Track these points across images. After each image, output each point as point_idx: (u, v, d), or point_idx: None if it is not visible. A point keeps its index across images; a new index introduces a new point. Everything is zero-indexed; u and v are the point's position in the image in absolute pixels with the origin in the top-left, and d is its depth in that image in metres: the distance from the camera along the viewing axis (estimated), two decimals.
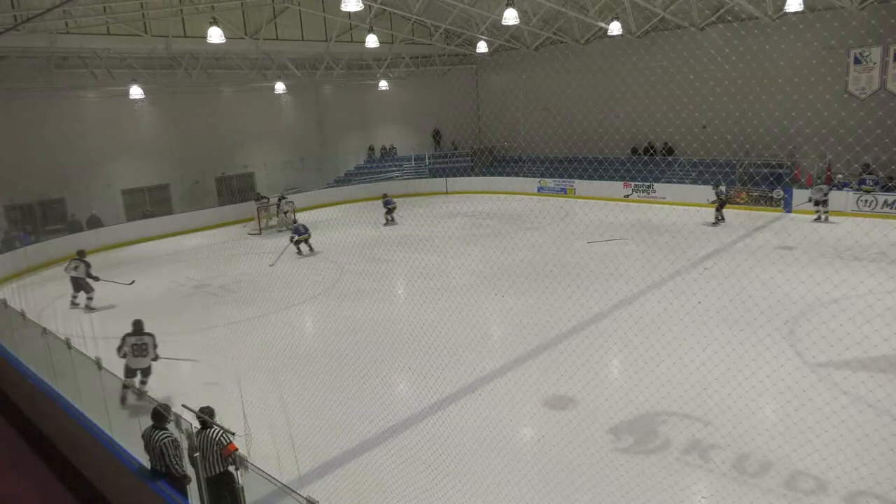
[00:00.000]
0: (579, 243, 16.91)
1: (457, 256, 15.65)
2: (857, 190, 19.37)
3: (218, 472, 5.35)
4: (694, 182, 22.79)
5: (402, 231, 19.63)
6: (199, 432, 5.45)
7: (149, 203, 23.12)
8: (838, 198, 19.51)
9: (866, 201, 19.19)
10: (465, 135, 30.48)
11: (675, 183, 23.28)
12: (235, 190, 24.97)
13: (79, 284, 13.45)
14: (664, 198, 23.05)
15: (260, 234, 21.14)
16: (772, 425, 7.36)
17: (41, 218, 20.06)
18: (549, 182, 26.56)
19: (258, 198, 22.66)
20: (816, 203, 18.65)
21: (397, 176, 28.98)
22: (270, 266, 16.03)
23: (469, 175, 28.72)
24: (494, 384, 8.76)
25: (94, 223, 20.71)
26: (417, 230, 19.62)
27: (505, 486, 6.36)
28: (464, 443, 7.21)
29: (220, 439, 5.34)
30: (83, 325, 11.14)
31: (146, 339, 8.65)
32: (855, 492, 5.97)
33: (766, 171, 21.67)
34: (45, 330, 8.23)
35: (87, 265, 13.35)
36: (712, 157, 22.53)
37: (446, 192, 27.94)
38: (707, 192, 19.98)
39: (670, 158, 24.69)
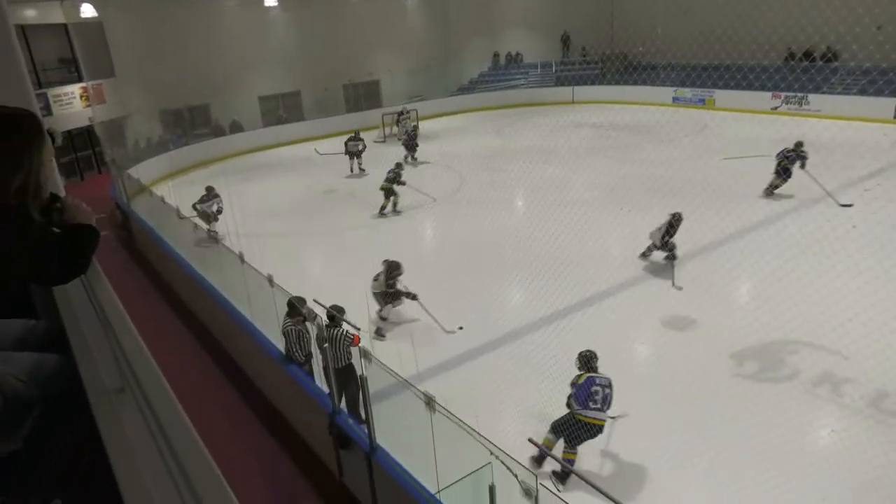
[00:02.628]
0: (716, 159, 15.72)
1: (580, 169, 15.15)
2: None
3: (345, 363, 5.80)
4: (861, 93, 20.17)
5: (525, 142, 19.20)
6: (328, 326, 5.88)
7: (282, 109, 24.22)
8: None
9: None
10: (595, 39, 28.61)
11: (836, 94, 20.69)
12: (362, 97, 25.46)
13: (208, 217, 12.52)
14: (819, 110, 20.62)
15: (384, 141, 21.60)
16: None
17: (189, 123, 21.75)
18: (686, 91, 24.58)
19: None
20: None
21: (522, 84, 28.07)
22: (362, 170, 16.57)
23: (598, 83, 27.20)
24: (612, 300, 8.62)
25: (236, 128, 22.16)
26: (541, 141, 19.09)
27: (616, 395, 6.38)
28: (574, 354, 7.26)
29: (347, 334, 5.75)
30: (227, 224, 12.15)
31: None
32: None
33: None
34: (195, 226, 9.11)
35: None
36: (889, 64, 19.65)
37: (572, 102, 26.78)
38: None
39: (834, 65, 21.85)
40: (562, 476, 5.36)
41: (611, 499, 4.20)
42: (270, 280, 6.39)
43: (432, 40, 27.69)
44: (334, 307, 6.00)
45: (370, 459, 4.80)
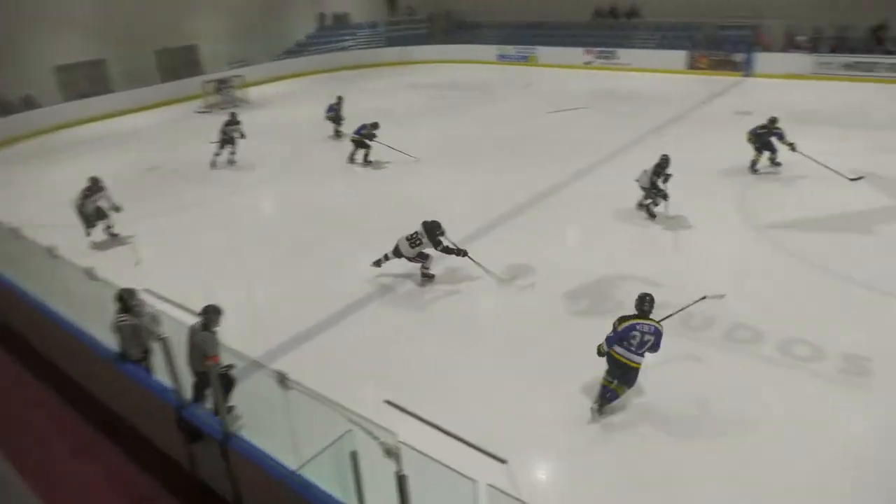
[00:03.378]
0: (540, 113, 16.68)
1: (420, 129, 15.36)
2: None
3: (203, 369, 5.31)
4: (657, 47, 22.31)
5: (361, 105, 18.95)
6: (200, 328, 5.34)
7: (84, 81, 21.58)
8: (797, 60, 19.45)
9: (824, 63, 19.17)
10: None
11: (638, 48, 22.73)
12: (180, 65, 23.43)
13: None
14: (629, 64, 22.56)
15: (210, 111, 20.18)
16: (717, 284, 7.78)
17: None
18: (510, 49, 25.61)
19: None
20: None
21: (351, 46, 27.49)
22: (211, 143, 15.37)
23: (426, 43, 27.40)
24: (454, 258, 8.91)
25: (31, 104, 19.40)
26: (377, 103, 18.97)
27: (457, 353, 6.71)
28: (421, 316, 7.49)
29: (205, 348, 5.24)
30: (39, 215, 10.77)
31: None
32: (791, 339, 6.47)
33: (729, 33, 21.25)
34: None
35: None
36: (679, 20, 21.91)
37: (404, 62, 26.76)
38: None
39: (636, 21, 23.92)
40: (599, 402, 5.58)
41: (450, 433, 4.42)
42: (90, 273, 5.79)
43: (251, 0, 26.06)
44: (211, 308, 5.39)
45: (225, 448, 4.63)
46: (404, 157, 13.08)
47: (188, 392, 5.21)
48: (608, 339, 5.49)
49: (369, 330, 7.22)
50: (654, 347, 5.44)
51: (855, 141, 12.84)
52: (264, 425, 5.08)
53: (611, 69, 22.75)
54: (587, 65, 23.41)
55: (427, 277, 8.25)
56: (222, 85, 20.88)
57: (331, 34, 28.16)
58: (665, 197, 9.44)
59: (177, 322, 5.36)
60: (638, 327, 5.38)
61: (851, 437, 5.28)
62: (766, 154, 11.02)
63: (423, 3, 28.72)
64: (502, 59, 25.76)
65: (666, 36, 22.42)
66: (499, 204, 10.51)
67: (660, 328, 5.42)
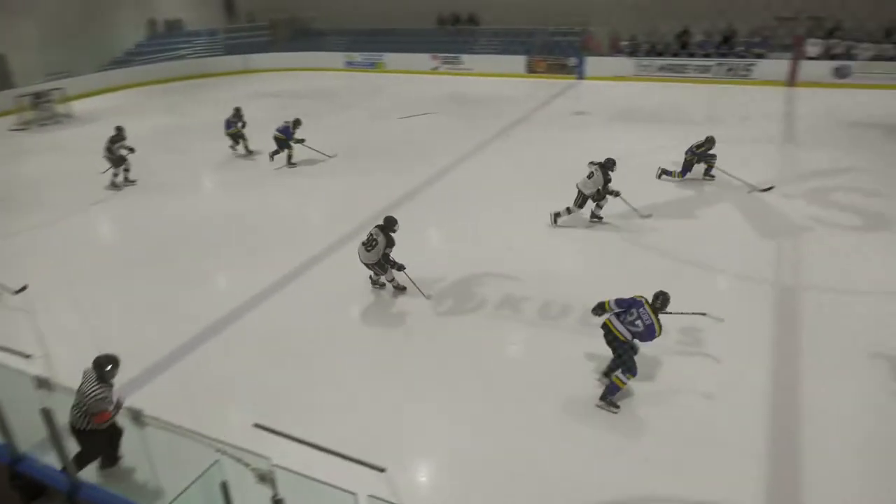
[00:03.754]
0: (391, 119, 16.82)
1: (267, 140, 14.81)
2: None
3: (86, 427, 4.66)
4: (498, 52, 23.38)
5: (201, 118, 17.93)
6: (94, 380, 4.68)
7: None
8: (621, 64, 21.30)
9: (644, 66, 21.17)
10: (261, 4, 27.78)
11: (480, 54, 23.69)
12: None
13: None
14: (472, 69, 23.43)
15: (26, 129, 18.04)
16: (569, 273, 8.32)
17: None
18: (357, 56, 25.58)
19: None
20: None
21: (188, 54, 25.94)
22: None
23: (269, 51, 26.58)
24: (319, 267, 8.74)
25: None
26: (219, 115, 18.04)
27: (339, 359, 6.59)
28: (295, 326, 7.25)
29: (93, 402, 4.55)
30: None
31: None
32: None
33: (562, 38, 22.79)
34: None
35: None
36: (516, 26, 23.08)
37: (246, 71, 25.75)
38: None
39: (476, 28, 24.88)
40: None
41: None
42: None
43: (69, 4, 23.66)
44: (106, 359, 4.70)
45: (74, 500, 4.16)
46: (249, 167, 12.60)
47: (24, 443, 4.62)
48: (616, 301, 5.75)
49: (232, 353, 6.84)
50: (641, 336, 5.58)
51: (674, 135, 14.31)
52: (121, 468, 4.63)
53: (457, 74, 23.51)
54: (434, 70, 24.01)
55: (398, 290, 7.85)
56: (39, 99, 18.75)
57: (163, 42, 26.36)
58: (615, 194, 9.34)
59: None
60: (639, 309, 5.59)
61: (691, 401, 5.86)
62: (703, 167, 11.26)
63: (264, 9, 27.80)
64: (350, 65, 25.65)
65: (504, 42, 23.58)
66: (355, 212, 10.44)
67: (656, 325, 5.54)
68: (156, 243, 9.70)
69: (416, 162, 13.06)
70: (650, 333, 5.58)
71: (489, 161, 12.99)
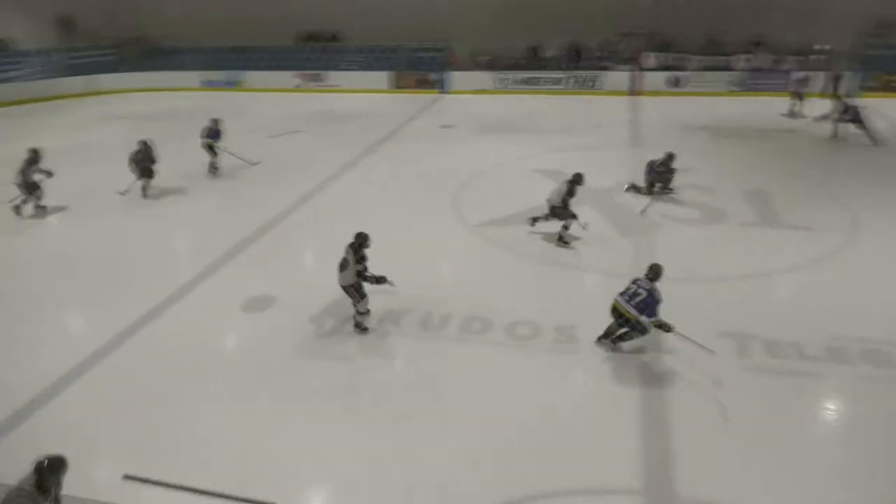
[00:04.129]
0: (258, 139, 16.29)
1: (116, 168, 13.77)
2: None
3: None
4: (365, 68, 23.45)
5: (44, 143, 16.29)
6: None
7: None
8: (482, 78, 22.14)
9: (502, 79, 22.16)
10: (104, 22, 25.83)
11: (344, 70, 23.62)
12: None
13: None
14: (338, 85, 23.29)
15: None
16: (446, 282, 8.48)
17: None
18: (215, 75, 24.53)
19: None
20: None
21: (19, 76, 23.50)
22: None
23: (119, 71, 24.77)
24: (190, 297, 8.24)
25: None
26: (59, 142, 16.54)
27: (213, 395, 6.23)
28: (159, 365, 6.77)
29: None
30: None
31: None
32: (515, 322, 7.34)
33: (425, 55, 23.28)
34: None
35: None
36: (377, 43, 23.26)
37: (92, 93, 23.82)
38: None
39: (339, 45, 24.79)
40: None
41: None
42: None
43: None
44: (48, 466, 3.84)
45: None
46: (105, 198, 11.68)
47: None
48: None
49: (93, 399, 6.25)
50: (645, 307, 6.19)
51: (534, 143, 15.10)
52: None
53: (321, 91, 23.26)
54: (298, 88, 23.58)
55: (361, 330, 7.15)
56: None
57: None
58: (573, 217, 9.24)
59: None
60: (636, 282, 6.38)
61: (570, 395, 6.18)
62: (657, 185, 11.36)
63: (109, 27, 25.84)
64: (208, 85, 24.54)
65: (368, 58, 23.69)
66: (227, 237, 9.99)
67: (655, 291, 6.23)
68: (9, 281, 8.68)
69: (285, 182, 12.74)
70: (654, 300, 6.23)
71: (360, 177, 12.96)
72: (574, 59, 21.90)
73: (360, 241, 6.88)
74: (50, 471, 3.78)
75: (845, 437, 5.60)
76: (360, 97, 21.87)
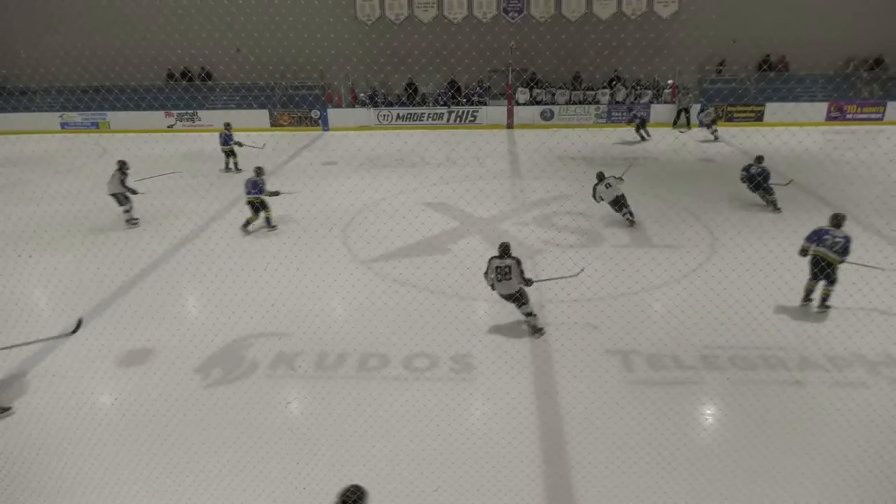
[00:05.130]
0: (133, 182, 15.26)
1: None
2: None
3: None
4: (239, 106, 22.83)
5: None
6: None
7: None
8: (363, 114, 22.31)
9: (384, 115, 22.43)
10: None
11: (219, 109, 22.86)
12: None
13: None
14: (211, 125, 22.43)
15: None
16: (339, 319, 8.33)
17: None
18: (76, 116, 22.87)
19: None
20: None
21: None
22: None
23: None
24: (52, 359, 7.48)
25: None
26: None
27: (97, 465, 5.66)
28: (29, 441, 6.06)
29: None
30: None
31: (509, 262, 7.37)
32: (410, 355, 7.32)
33: (303, 92, 23.07)
34: None
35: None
36: (252, 81, 22.79)
37: None
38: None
39: (210, 84, 23.99)
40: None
41: None
42: None
43: None
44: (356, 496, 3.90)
45: None
46: None
47: None
48: (807, 239, 7.78)
49: None
50: (844, 251, 7.54)
51: (421, 177, 15.35)
52: None
53: (195, 131, 22.33)
54: (170, 128, 22.49)
55: (537, 332, 7.78)
56: None
57: None
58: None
59: None
60: (830, 232, 7.64)
61: (471, 422, 6.24)
62: None
63: None
64: (67, 127, 22.81)
65: (246, 97, 23.11)
66: (94, 290, 9.22)
67: (849, 236, 7.56)
68: None
69: (160, 226, 12.02)
70: (848, 241, 7.57)
71: (241, 218, 12.48)
72: (452, 95, 22.64)
73: (506, 249, 7.51)
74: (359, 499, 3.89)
75: (723, 438, 6.06)
76: (237, 136, 21.18)
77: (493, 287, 7.56)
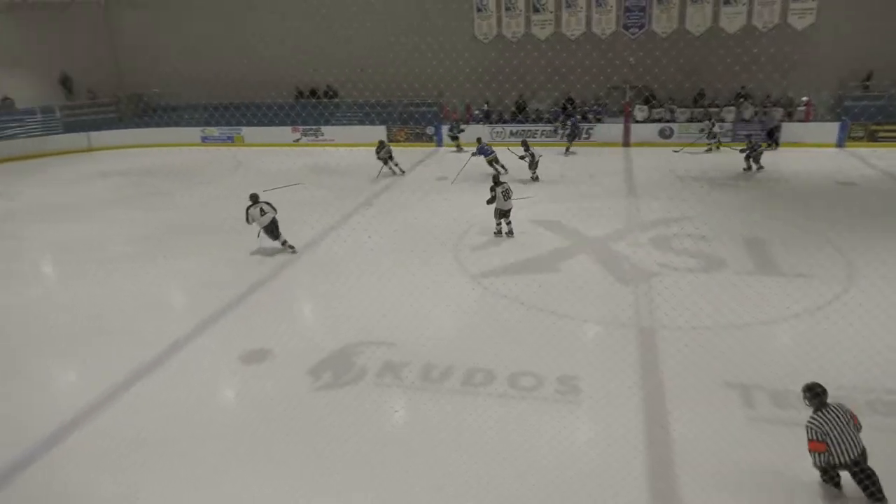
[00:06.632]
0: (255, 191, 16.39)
1: (114, 223, 13.82)
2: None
3: None
4: (360, 123, 23.86)
5: (38, 199, 16.42)
6: None
7: None
8: (478, 130, 22.58)
9: (497, 132, 22.56)
10: (102, 81, 26.39)
11: (342, 125, 24.03)
12: None
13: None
14: (333, 140, 23.63)
15: None
16: (447, 333, 8.40)
17: None
18: (214, 131, 24.94)
19: None
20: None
21: (19, 134, 23.83)
22: None
23: (116, 127, 25.16)
24: (184, 352, 8.14)
25: None
26: (58, 197, 16.64)
27: (209, 452, 6.07)
28: (157, 422, 6.61)
29: None
30: None
31: None
32: (516, 373, 7.24)
33: (422, 109, 23.71)
34: None
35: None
36: (374, 98, 23.73)
37: (90, 149, 24.14)
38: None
39: (335, 101, 25.27)
40: None
41: None
42: None
43: None
44: None
45: None
46: (102, 253, 11.66)
47: None
48: None
49: (85, 460, 6.07)
50: None
51: (532, 194, 15.24)
52: None
53: (319, 145, 23.60)
54: (296, 142, 23.92)
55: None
56: None
57: None
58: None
59: None
60: None
61: (576, 446, 6.04)
62: None
63: (105, 85, 26.40)
64: (206, 140, 24.90)
65: (369, 113, 24.13)
66: (225, 289, 9.94)
67: None
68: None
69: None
70: None
71: (358, 228, 12.98)
72: (567, 111, 22.38)
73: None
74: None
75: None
76: (357, 151, 22.14)
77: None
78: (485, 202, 12.17)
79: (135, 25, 26.05)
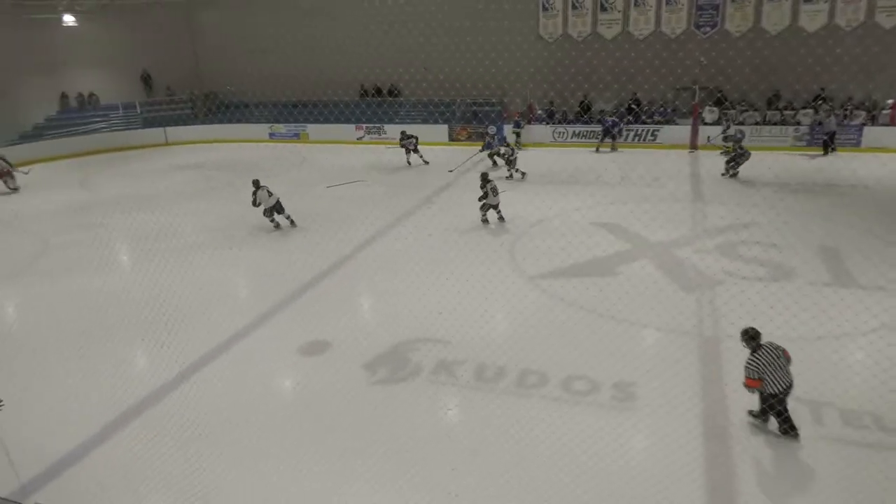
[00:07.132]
0: (318, 188, 16.81)
1: (187, 213, 14.44)
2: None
3: None
4: (424, 121, 24.03)
5: (118, 191, 17.35)
6: None
7: None
8: (539, 131, 22.36)
9: (559, 132, 22.29)
10: (180, 78, 27.61)
11: (405, 123, 24.26)
12: None
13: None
14: (395, 138, 23.87)
15: None
16: (502, 333, 8.38)
17: None
18: (281, 127, 25.68)
19: None
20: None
21: (104, 128, 25.26)
22: None
23: (191, 123, 26.30)
24: (247, 341, 8.43)
25: None
26: (139, 188, 17.53)
27: (267, 439, 6.27)
28: (219, 406, 6.88)
29: None
30: None
31: None
32: (571, 377, 7.15)
33: (486, 109, 23.70)
34: None
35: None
36: (437, 98, 23.88)
37: (166, 143, 25.32)
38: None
39: (399, 100, 25.57)
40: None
41: None
42: None
43: None
44: None
45: None
46: (176, 242, 12.20)
47: None
48: None
49: (154, 439, 6.38)
50: None
51: (591, 195, 15.00)
52: None
53: (381, 143, 23.92)
54: (359, 140, 24.35)
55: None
56: None
57: (77, 116, 25.61)
58: None
59: None
60: None
61: (630, 455, 5.91)
62: None
63: (182, 83, 27.61)
64: (274, 136, 25.67)
65: (433, 112, 24.31)
66: (287, 281, 10.23)
67: None
68: (64, 323, 9.10)
69: (345, 230, 13.01)
70: None
71: (417, 226, 13.12)
72: (633, 112, 21.88)
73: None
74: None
75: None
76: (420, 148, 22.34)
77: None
78: (535, 203, 12.06)
79: (213, 25, 27.12)
